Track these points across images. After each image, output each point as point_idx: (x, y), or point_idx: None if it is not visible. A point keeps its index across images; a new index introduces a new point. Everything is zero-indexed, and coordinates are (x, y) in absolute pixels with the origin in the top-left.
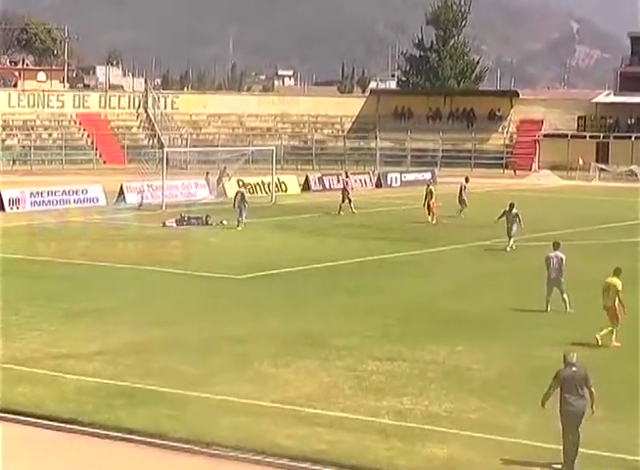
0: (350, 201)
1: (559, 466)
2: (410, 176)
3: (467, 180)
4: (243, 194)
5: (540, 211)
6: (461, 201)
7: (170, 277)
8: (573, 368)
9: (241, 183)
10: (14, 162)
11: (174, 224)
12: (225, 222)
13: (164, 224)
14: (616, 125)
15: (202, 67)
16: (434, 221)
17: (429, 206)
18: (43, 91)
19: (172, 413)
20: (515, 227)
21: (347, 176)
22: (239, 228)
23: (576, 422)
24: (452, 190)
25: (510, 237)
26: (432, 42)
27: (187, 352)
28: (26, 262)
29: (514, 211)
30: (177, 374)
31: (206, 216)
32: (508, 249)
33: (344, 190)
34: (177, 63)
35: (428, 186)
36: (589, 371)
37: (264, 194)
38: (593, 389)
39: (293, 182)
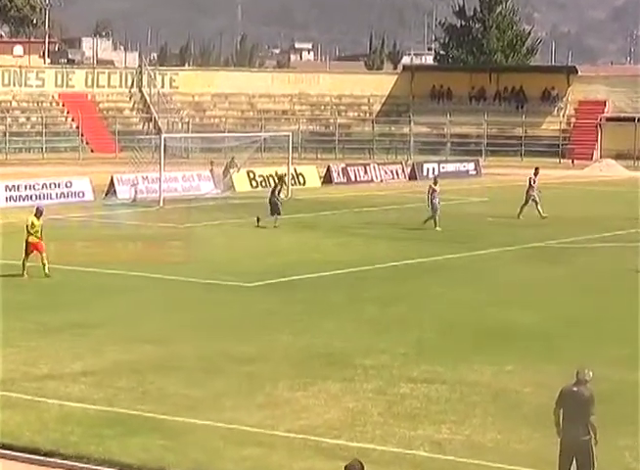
0: (537, 203)
1: None
2: (450, 167)
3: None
4: (434, 191)
5: (604, 207)
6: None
7: (169, 285)
8: (574, 388)
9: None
10: None
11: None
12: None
13: (258, 220)
14: None
15: (205, 39)
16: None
17: None
18: (20, 67)
19: (170, 444)
20: None
21: (536, 174)
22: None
23: (576, 455)
24: (499, 182)
25: None
26: (475, 9)
27: (187, 373)
28: (0, 268)
29: None
30: (176, 398)
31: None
32: None
33: (530, 189)
34: (177, 34)
35: None
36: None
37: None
38: (593, 419)
39: (312, 174)
